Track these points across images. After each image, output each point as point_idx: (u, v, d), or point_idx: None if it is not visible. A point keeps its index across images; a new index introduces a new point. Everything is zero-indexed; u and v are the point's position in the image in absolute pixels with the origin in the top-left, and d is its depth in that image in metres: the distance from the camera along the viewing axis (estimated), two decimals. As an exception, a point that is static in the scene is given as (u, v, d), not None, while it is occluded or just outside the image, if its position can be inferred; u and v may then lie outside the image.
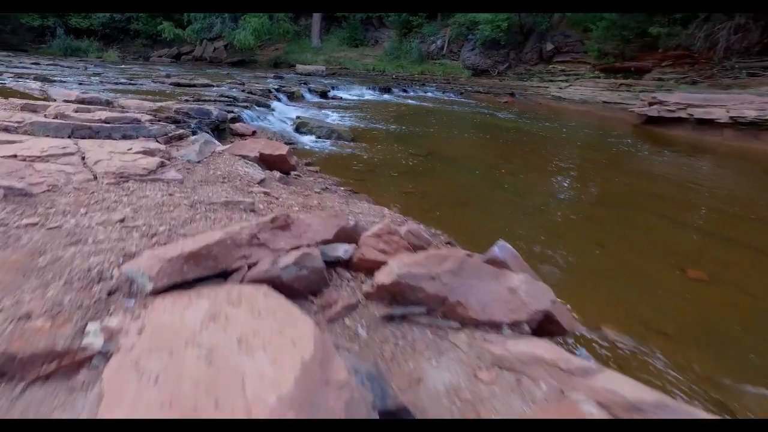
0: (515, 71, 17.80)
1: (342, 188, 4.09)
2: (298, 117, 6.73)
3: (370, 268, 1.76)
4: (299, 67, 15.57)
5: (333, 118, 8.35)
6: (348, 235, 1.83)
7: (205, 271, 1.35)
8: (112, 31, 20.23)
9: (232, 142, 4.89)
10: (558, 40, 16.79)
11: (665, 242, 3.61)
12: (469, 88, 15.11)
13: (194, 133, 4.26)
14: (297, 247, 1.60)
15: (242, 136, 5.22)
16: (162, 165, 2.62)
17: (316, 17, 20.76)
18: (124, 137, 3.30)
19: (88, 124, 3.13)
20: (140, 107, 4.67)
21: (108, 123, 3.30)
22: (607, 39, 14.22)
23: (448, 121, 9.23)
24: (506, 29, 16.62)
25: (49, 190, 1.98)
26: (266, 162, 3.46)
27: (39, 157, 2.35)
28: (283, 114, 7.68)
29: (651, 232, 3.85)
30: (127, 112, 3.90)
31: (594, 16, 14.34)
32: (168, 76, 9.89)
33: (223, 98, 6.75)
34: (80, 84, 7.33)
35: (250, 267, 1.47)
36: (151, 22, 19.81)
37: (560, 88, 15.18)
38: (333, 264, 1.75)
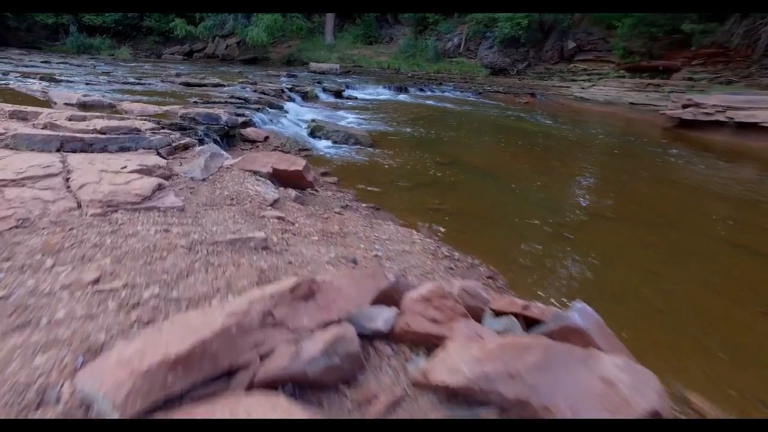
0: (534, 70, 17.21)
1: (363, 204, 3.69)
2: (313, 120, 6.34)
3: (418, 341, 1.36)
4: (313, 66, 15.19)
5: (349, 120, 7.94)
6: (388, 296, 1.42)
7: (200, 376, 0.95)
8: (124, 28, 20.08)
9: (243, 150, 4.52)
10: (580, 38, 16.16)
11: (732, 273, 3.14)
12: (488, 88, 14.58)
13: (201, 141, 3.90)
14: (325, 325, 1.19)
15: (254, 142, 4.85)
16: (160, 188, 2.24)
17: (330, 14, 20.37)
18: (122, 150, 2.94)
19: (80, 135, 2.77)
20: (144, 112, 4.32)
21: (104, 134, 2.94)
22: (634, 36, 13.58)
23: (469, 124, 8.76)
24: (526, 27, 16.03)
25: (16, 227, 1.61)
26: (280, 178, 3.07)
27: (13, 180, 1.98)
28: (297, 116, 7.30)
29: (711, 259, 3.37)
30: (127, 118, 3.54)
31: (619, 14, 13.70)
32: (178, 75, 9.58)
33: (233, 100, 6.39)
34: (87, 84, 7.03)
35: (262, 359, 1.08)
36: (163, 19, 19.61)
37: (583, 88, 14.57)
38: (370, 337, 1.35)
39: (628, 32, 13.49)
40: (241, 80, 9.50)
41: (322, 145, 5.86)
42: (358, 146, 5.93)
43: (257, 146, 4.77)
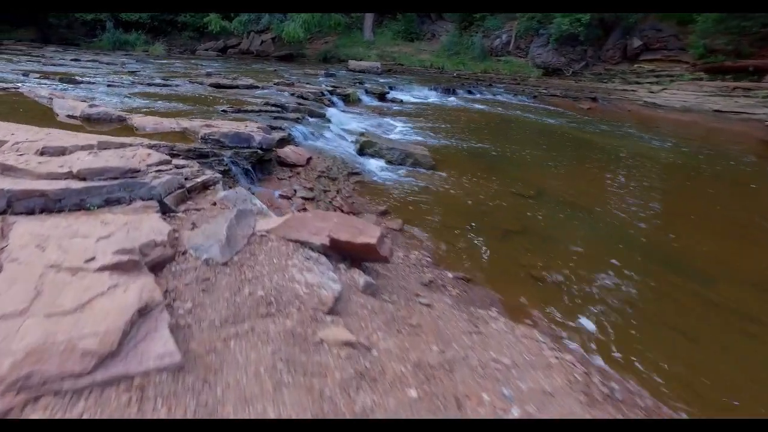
0: (592, 71, 15.60)
1: (450, 275, 2.60)
2: (362, 134, 5.28)
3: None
4: (352, 64, 14.18)
5: (399, 129, 6.86)
6: None
7: None
8: (160, 23, 19.67)
9: (280, 179, 3.51)
10: (648, 35, 14.46)
11: None
12: (544, 91, 13.15)
13: (226, 172, 2.90)
14: None
15: (293, 167, 3.83)
16: (143, 313, 1.22)
17: (369, 9, 19.25)
18: (108, 203, 1.95)
19: (43, 187, 1.80)
20: (158, 129, 3.37)
21: (83, 179, 1.96)
22: (718, 32, 11.86)
23: (535, 137, 7.50)
24: (587, 23, 14.46)
25: None
26: (340, 250, 2.01)
27: None
28: (341, 124, 6.28)
29: None
30: (129, 146, 2.57)
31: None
32: (208, 75, 8.75)
33: (269, 107, 5.41)
34: (109, 85, 6.25)
35: None
36: (198, 15, 19.06)
37: (652, 93, 12.94)
38: None
39: (712, 28, 11.78)
40: (276, 80, 8.57)
41: (375, 166, 4.80)
42: (418, 168, 4.84)
43: (297, 172, 3.74)
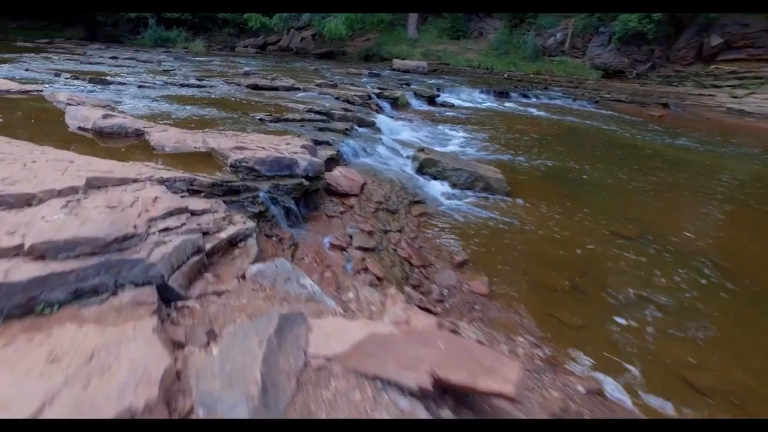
0: (659, 73, 14.09)
1: (580, 387, 1.73)
2: (421, 149, 4.44)
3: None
4: (396, 63, 13.33)
5: (457, 140, 5.98)
6: None
7: None
8: (200, 20, 19.50)
9: (330, 216, 2.72)
10: (730, 32, 12.84)
11: None
12: (606, 96, 11.85)
13: (261, 214, 2.14)
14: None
15: (345, 197, 3.04)
16: None
17: (412, 5, 18.26)
18: (78, 297, 1.21)
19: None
20: (180, 148, 2.67)
21: (41, 258, 1.22)
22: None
23: (613, 152, 6.42)
24: (657, 20, 13.00)
25: None
26: (447, 389, 1.18)
27: None
28: (392, 133, 5.47)
29: None
30: (133, 182, 1.85)
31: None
32: (246, 74, 8.14)
33: (312, 114, 4.67)
34: (140, 86, 5.69)
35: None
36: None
37: (736, 98, 11.41)
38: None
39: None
40: (318, 81, 7.86)
41: (438, 190, 3.96)
42: (490, 194, 3.97)
43: (351, 205, 2.95)
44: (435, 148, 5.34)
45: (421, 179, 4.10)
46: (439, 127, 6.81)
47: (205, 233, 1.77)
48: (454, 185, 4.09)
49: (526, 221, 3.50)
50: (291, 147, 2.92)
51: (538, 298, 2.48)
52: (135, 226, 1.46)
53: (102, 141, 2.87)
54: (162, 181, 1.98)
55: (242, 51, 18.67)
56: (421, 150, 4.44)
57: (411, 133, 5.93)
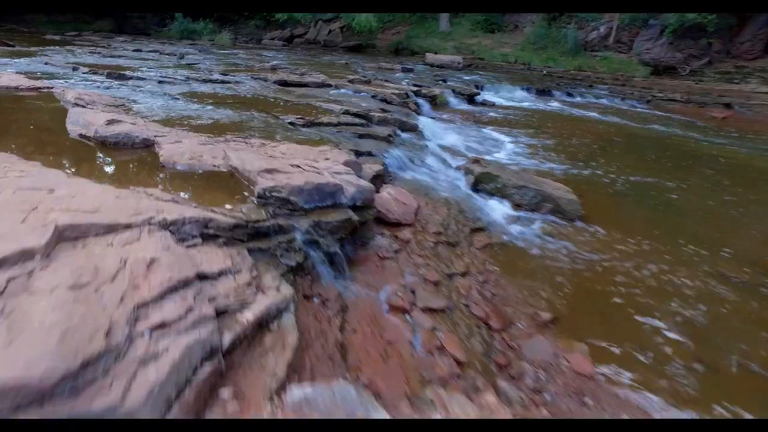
0: (716, 69, 12.90)
1: None
2: (475, 160, 3.80)
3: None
4: (429, 57, 12.59)
5: (507, 146, 5.30)
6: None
7: None
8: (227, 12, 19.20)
9: (384, 258, 2.12)
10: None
11: None
12: (659, 95, 10.84)
13: (299, 267, 1.56)
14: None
15: (398, 227, 2.44)
16: None
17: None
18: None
19: None
20: (194, 165, 2.12)
21: None
22: None
23: (682, 160, 5.60)
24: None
25: None
26: None
27: None
28: (436, 139, 4.85)
29: None
30: (118, 231, 1.29)
31: None
32: (273, 69, 7.61)
33: (350, 117, 4.08)
34: (160, 82, 5.22)
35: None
36: (266, 3, 18.28)
37: (810, 99, 10.25)
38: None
39: None
40: (350, 76, 7.28)
41: (499, 212, 3.31)
42: (560, 218, 3.30)
43: (406, 240, 2.34)
44: (485, 157, 4.69)
45: (477, 198, 3.47)
46: (484, 129, 6.13)
47: (221, 313, 1.19)
48: (516, 205, 3.43)
49: (611, 258, 2.83)
50: (331, 164, 2.33)
51: (664, 381, 1.83)
52: (109, 330, 0.89)
53: (104, 153, 2.35)
54: (165, 225, 1.42)
55: (269, 44, 18.24)
56: (476, 161, 3.80)
57: (455, 137, 5.28)
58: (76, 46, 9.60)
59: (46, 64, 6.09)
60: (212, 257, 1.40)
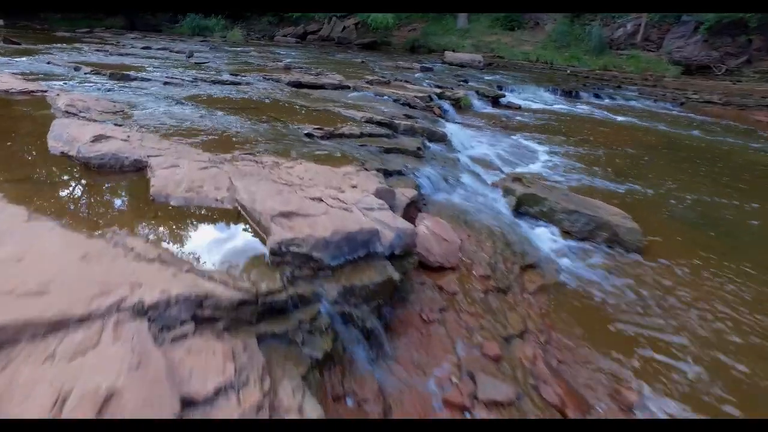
0: (756, 68, 12.16)
1: None
2: (517, 179, 3.33)
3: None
4: (448, 56, 12.05)
5: (541, 157, 4.82)
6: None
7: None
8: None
9: (427, 322, 1.75)
10: None
11: None
12: (693, 96, 10.20)
13: (325, 360, 1.10)
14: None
15: (440, 271, 2.00)
16: None
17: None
18: None
19: None
20: (191, 201, 1.71)
21: None
22: None
23: (740, 172, 5.04)
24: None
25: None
26: None
27: None
28: (467, 149, 4.40)
29: None
30: (72, 320, 0.86)
31: None
32: (287, 68, 7.19)
33: (373, 126, 3.64)
34: (165, 83, 4.84)
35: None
36: (279, -1, 17.88)
37: None
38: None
39: None
40: (368, 77, 6.83)
41: (548, 243, 2.85)
42: (618, 249, 2.83)
43: (452, 293, 1.90)
44: (519, 170, 4.24)
45: (521, 223, 3.00)
46: (514, 137, 5.63)
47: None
48: (566, 233, 2.97)
49: (687, 303, 2.35)
50: (360, 194, 1.90)
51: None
52: None
53: (85, 178, 1.94)
54: (142, 311, 1.00)
55: (281, 40, 17.85)
56: (517, 179, 3.33)
57: (485, 146, 4.81)
58: (85, 43, 9.29)
59: (48, 63, 5.75)
60: (206, 362, 0.97)
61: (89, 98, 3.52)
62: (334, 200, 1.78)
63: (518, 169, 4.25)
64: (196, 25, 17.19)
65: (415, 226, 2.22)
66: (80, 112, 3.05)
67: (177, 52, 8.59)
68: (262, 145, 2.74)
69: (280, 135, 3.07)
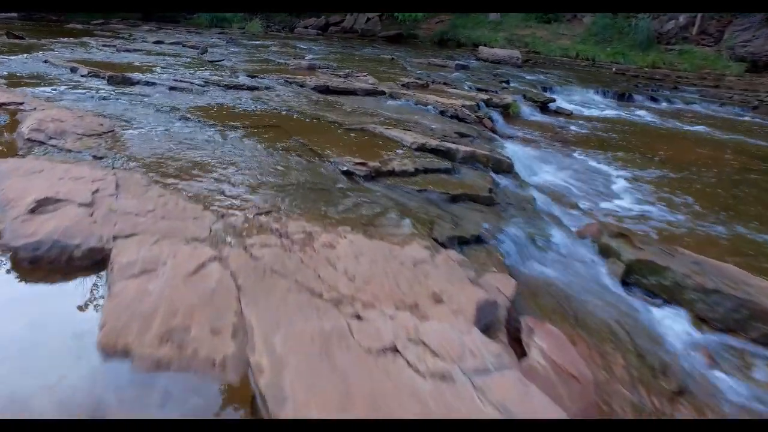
0: (829, 68, 10.85)
1: None
2: (620, 234, 2.48)
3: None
4: (483, 51, 11.08)
5: (619, 186, 3.94)
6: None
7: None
8: (261, -2, 18.08)
9: None
10: None
11: None
12: (767, 98, 9.06)
13: None
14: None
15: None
16: None
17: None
18: None
19: None
20: (168, 363, 0.89)
21: None
22: None
23: None
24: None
25: None
26: None
27: None
28: (533, 177, 3.56)
29: None
30: None
31: None
32: (312, 68, 6.39)
33: (428, 158, 2.83)
34: (171, 88, 4.12)
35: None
36: (301, -12, 17.04)
37: None
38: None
39: None
40: (403, 78, 6.02)
41: (681, 337, 2.03)
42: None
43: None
44: (601, 205, 3.39)
45: (636, 304, 2.18)
46: (575, 154, 4.75)
47: None
48: (700, 319, 2.13)
49: None
50: (453, 320, 1.14)
51: None
52: None
53: (23, 277, 1.21)
54: None
55: (302, 33, 17.04)
56: (621, 235, 2.49)
57: (552, 171, 3.96)
58: (95, 37, 8.66)
59: (45, 62, 5.10)
60: None
61: (71, 115, 2.81)
62: (418, 348, 1.01)
63: (602, 205, 3.40)
64: (213, 16, 16.50)
65: (522, 344, 1.43)
66: (50, 138, 2.34)
67: (191, 46, 7.88)
68: (288, 196, 1.98)
69: (311, 174, 2.30)
